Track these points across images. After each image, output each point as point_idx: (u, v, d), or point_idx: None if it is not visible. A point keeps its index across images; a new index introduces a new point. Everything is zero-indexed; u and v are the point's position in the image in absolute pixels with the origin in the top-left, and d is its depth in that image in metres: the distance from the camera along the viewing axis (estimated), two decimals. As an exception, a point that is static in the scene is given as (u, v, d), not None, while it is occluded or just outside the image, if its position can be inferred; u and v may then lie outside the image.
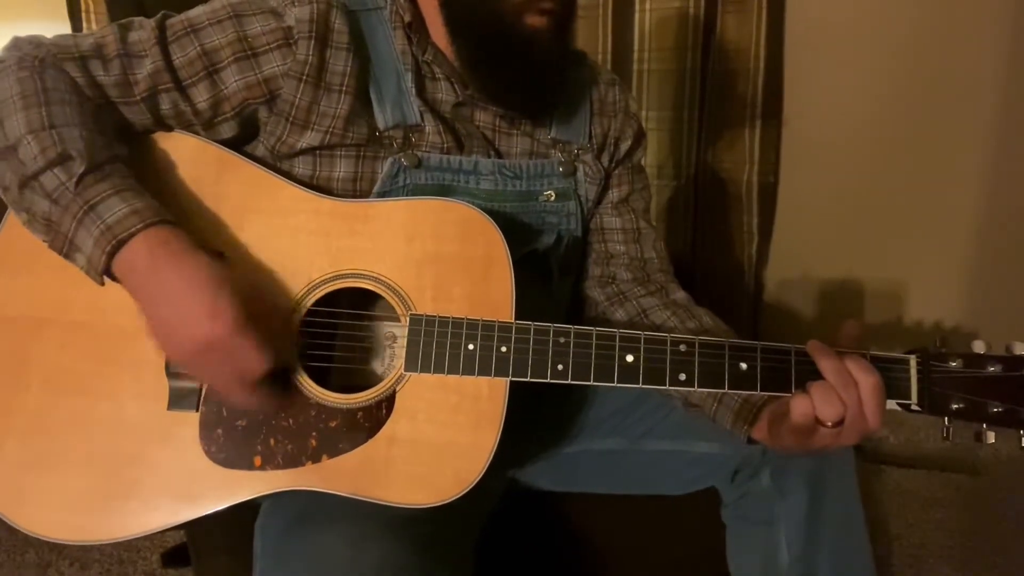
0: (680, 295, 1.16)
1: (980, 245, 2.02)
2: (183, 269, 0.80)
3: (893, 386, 0.84)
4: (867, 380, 0.81)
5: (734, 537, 1.09)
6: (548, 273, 1.09)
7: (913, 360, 0.84)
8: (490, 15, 0.95)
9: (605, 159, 1.14)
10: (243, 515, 0.90)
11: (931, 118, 1.96)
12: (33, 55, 0.88)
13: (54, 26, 2.11)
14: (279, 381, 0.88)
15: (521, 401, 0.88)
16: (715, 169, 2.09)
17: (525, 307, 0.89)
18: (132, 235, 0.80)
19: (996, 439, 0.82)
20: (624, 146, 1.16)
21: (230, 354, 0.80)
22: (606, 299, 1.16)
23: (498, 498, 1.09)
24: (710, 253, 2.12)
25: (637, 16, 2.04)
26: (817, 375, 0.83)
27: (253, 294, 0.83)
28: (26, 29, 0.95)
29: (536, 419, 1.07)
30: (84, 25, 2.10)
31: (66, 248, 0.82)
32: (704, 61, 2.03)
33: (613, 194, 1.16)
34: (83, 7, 2.03)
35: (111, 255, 0.80)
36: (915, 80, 1.94)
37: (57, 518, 0.87)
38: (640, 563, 1.19)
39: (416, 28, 1.01)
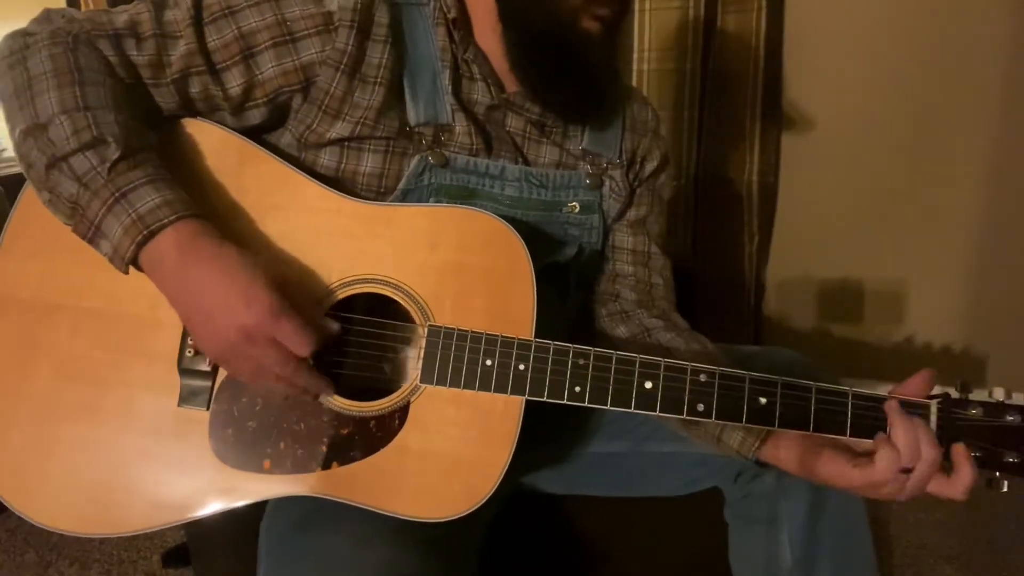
0: (682, 322, 1.15)
1: (980, 244, 2.03)
2: (215, 261, 0.79)
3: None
4: (929, 454, 0.81)
5: (736, 537, 1.10)
6: (564, 284, 1.09)
7: (934, 406, 0.84)
8: (547, 13, 0.94)
9: (630, 176, 1.13)
10: (244, 515, 0.89)
11: (931, 118, 1.97)
12: (66, 30, 0.87)
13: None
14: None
15: (530, 408, 0.88)
16: (715, 169, 2.10)
17: (541, 319, 0.89)
18: (164, 226, 0.79)
19: (1008, 487, 0.84)
20: (649, 167, 1.15)
21: (272, 340, 0.79)
22: (607, 315, 1.15)
23: (503, 501, 1.09)
24: (710, 253, 2.13)
25: (637, 16, 2.05)
26: (837, 416, 0.84)
27: (284, 283, 0.82)
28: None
29: (542, 424, 1.06)
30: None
31: (91, 234, 0.81)
32: (704, 61, 2.04)
33: (631, 213, 1.15)
34: (83, 7, 2.02)
35: (141, 245, 0.79)
36: (915, 79, 1.95)
37: (61, 508, 0.87)
38: (643, 563, 1.20)
39: (460, 25, 1.00)
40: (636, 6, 2.04)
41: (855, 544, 1.01)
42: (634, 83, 2.09)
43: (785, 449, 0.93)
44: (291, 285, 0.84)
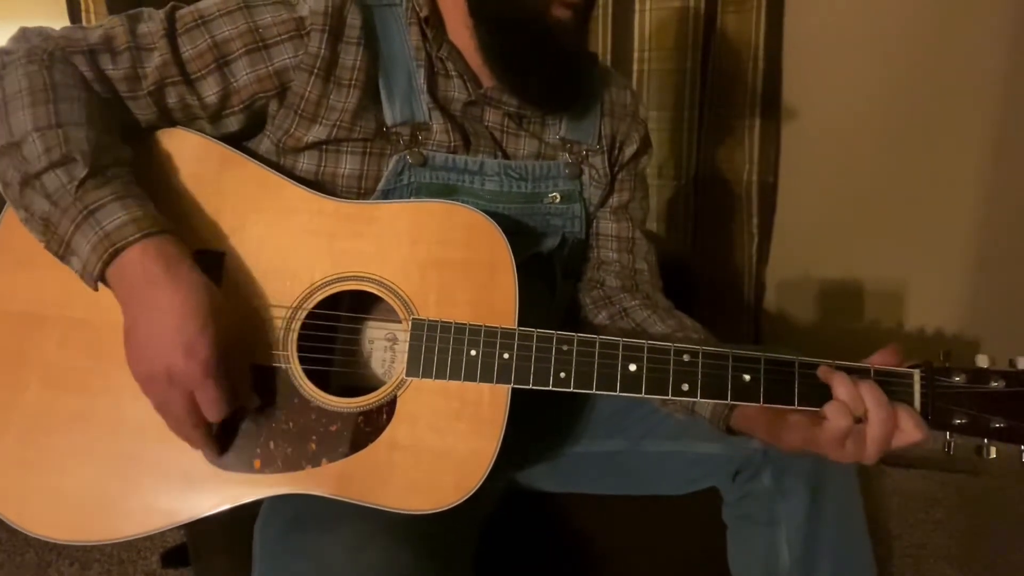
0: (663, 301, 1.16)
1: (980, 244, 2.02)
2: (176, 289, 0.80)
3: (897, 400, 0.83)
4: (876, 414, 0.81)
5: (735, 537, 1.09)
6: (552, 275, 1.09)
7: (917, 374, 0.84)
8: (517, 5, 0.95)
9: (610, 161, 1.13)
10: (243, 515, 0.90)
11: (931, 117, 1.96)
12: (42, 48, 0.88)
13: (54, 25, 2.09)
14: (265, 386, 0.89)
15: (522, 403, 0.88)
16: (715, 169, 2.10)
17: (528, 310, 0.89)
18: (129, 244, 0.80)
19: (997, 453, 0.82)
20: (629, 151, 1.15)
21: (187, 395, 0.80)
22: (591, 303, 1.16)
23: (498, 499, 1.09)
24: (710, 253, 2.13)
25: (637, 16, 2.04)
26: (820, 390, 0.83)
27: (238, 324, 0.84)
28: (26, 28, 0.93)
29: (537, 420, 1.06)
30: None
31: (62, 251, 0.82)
32: (704, 61, 2.03)
33: (613, 199, 1.16)
34: (83, 7, 2.02)
35: (107, 262, 0.80)
36: (915, 79, 1.94)
37: (55, 517, 0.87)
38: (641, 563, 1.19)
39: (432, 23, 1.00)
40: (636, 6, 2.04)
41: (854, 544, 1.01)
42: (634, 83, 2.08)
43: (752, 418, 0.93)
44: (240, 341, 0.85)
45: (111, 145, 0.86)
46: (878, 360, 0.86)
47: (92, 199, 0.81)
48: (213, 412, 0.81)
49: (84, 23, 2.06)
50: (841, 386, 0.82)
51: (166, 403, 0.82)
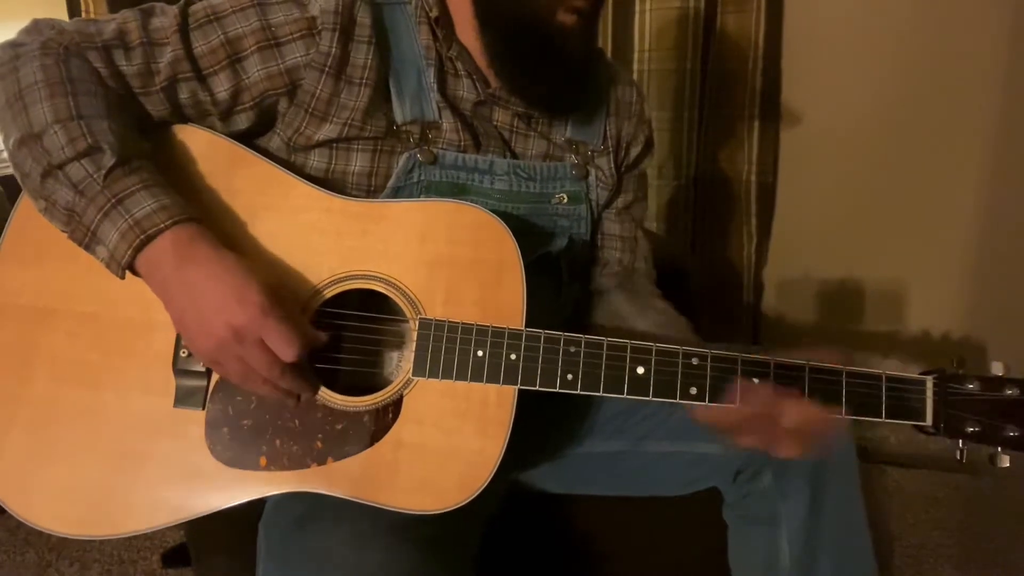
0: (645, 289, 1.17)
1: (979, 243, 2.02)
2: (211, 263, 0.81)
3: (908, 408, 0.83)
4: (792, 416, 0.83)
5: (735, 537, 1.10)
6: (558, 276, 1.09)
7: (930, 382, 0.84)
8: (522, 9, 0.95)
9: (616, 162, 1.14)
10: (244, 515, 0.90)
11: (930, 117, 1.96)
12: (57, 41, 0.88)
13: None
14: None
15: (525, 404, 0.88)
16: (715, 169, 2.10)
17: (535, 310, 0.89)
18: (160, 231, 0.80)
19: (1010, 462, 0.83)
20: (634, 152, 1.16)
21: (259, 342, 0.80)
22: (590, 301, 1.17)
23: (500, 499, 1.09)
24: (710, 253, 2.14)
25: (637, 16, 2.05)
26: (829, 395, 0.84)
27: (276, 288, 0.83)
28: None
29: (539, 421, 1.06)
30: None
31: (87, 240, 0.82)
32: (704, 61, 2.03)
33: (619, 200, 1.16)
34: (83, 7, 2.02)
35: (138, 250, 0.80)
36: (914, 79, 1.94)
37: (60, 510, 0.87)
38: (642, 563, 1.19)
39: (442, 23, 1.00)
40: (636, 6, 2.05)
41: (854, 544, 1.02)
42: (633, 83, 2.09)
43: None
44: (283, 290, 0.85)
45: (133, 137, 0.86)
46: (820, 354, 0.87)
47: (120, 188, 0.81)
48: (288, 350, 0.80)
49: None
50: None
51: (246, 368, 0.81)
